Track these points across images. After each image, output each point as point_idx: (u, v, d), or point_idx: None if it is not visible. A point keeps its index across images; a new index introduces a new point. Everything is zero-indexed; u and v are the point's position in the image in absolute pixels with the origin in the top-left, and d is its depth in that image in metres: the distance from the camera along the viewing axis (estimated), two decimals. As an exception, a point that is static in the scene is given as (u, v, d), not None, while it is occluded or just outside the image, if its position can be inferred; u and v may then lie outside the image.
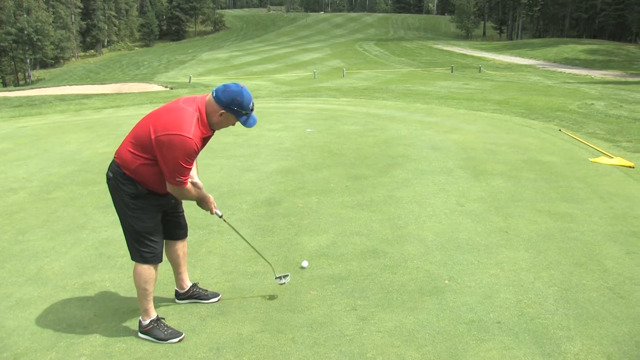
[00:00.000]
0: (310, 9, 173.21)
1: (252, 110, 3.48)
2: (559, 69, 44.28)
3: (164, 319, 3.84)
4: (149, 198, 3.58)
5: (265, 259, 4.38)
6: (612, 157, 8.61)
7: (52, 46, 79.57)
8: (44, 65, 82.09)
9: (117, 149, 3.61)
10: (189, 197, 3.64)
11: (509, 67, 46.13)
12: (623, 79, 36.09)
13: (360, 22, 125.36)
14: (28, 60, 76.68)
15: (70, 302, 4.25)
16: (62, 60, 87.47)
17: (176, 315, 4.03)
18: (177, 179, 3.39)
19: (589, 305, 4.02)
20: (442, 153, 8.87)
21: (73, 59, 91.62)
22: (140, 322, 3.76)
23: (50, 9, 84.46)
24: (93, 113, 15.56)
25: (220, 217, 3.95)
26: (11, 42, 73.24)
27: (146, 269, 3.67)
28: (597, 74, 39.88)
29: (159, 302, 4.13)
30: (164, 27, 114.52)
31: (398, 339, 3.64)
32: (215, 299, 4.23)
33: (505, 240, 5.27)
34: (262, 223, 5.90)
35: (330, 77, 35.88)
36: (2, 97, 22.44)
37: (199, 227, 5.73)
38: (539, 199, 6.54)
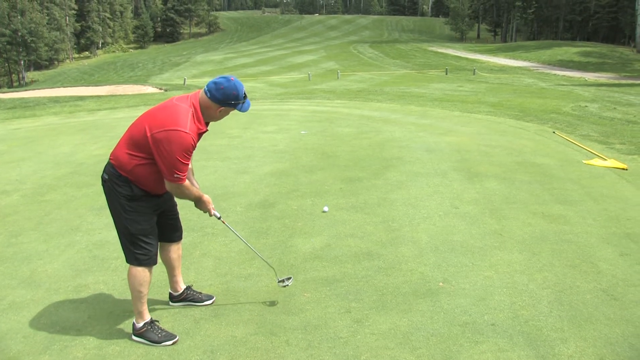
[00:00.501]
0: (304, 11, 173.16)
1: (245, 96, 3.53)
2: (553, 71, 44.40)
3: (157, 321, 3.83)
4: (145, 200, 3.57)
5: (267, 262, 4.38)
6: (605, 159, 8.64)
7: (46, 48, 79.21)
8: (38, 66, 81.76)
9: (112, 150, 3.61)
10: (188, 196, 3.62)
11: (503, 69, 46.24)
12: (617, 82, 36.21)
13: (354, 24, 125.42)
14: (22, 62, 76.35)
15: (63, 304, 4.24)
16: (56, 62, 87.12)
17: (170, 318, 4.02)
18: (176, 175, 3.38)
19: (582, 307, 4.03)
20: (436, 155, 8.88)
21: (67, 60, 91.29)
22: (134, 324, 3.75)
23: (45, 11, 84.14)
24: (87, 115, 15.53)
25: (219, 218, 3.94)
26: (5, 43, 72.88)
27: (140, 272, 3.66)
28: (590, 77, 39.99)
29: (153, 304, 4.12)
30: (159, 29, 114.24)
31: (392, 341, 3.64)
32: (210, 302, 4.22)
33: (499, 243, 5.28)
34: (256, 225, 5.90)
35: (324, 79, 35.89)
36: (-5, 99, 22.36)
37: (194, 230, 5.72)
38: (533, 201, 6.56)
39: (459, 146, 9.57)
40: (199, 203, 3.78)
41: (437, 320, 3.88)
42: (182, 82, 35.21)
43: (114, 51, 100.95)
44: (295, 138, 10.59)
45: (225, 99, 3.42)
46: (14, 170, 8.51)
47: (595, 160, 8.64)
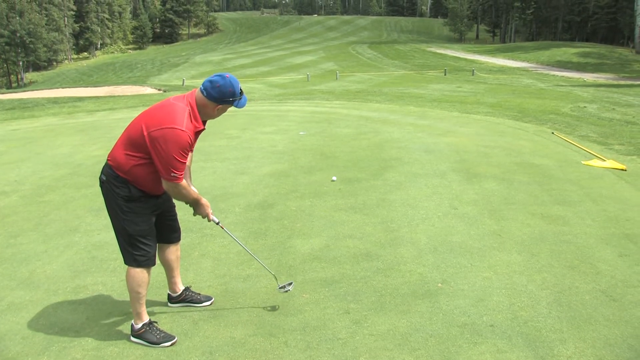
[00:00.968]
0: (303, 11, 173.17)
1: (241, 92, 3.53)
2: (552, 72, 44.45)
3: (156, 322, 3.82)
4: (143, 201, 3.56)
5: (267, 268, 4.33)
6: (604, 160, 8.64)
7: (45, 49, 79.24)
8: (36, 67, 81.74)
9: (109, 151, 3.60)
10: (186, 196, 3.60)
11: (502, 69, 46.28)
12: (615, 82, 36.24)
13: (353, 25, 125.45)
14: (21, 63, 76.36)
15: (62, 305, 4.23)
16: (55, 63, 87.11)
17: (169, 319, 4.01)
18: (172, 174, 3.37)
19: (581, 308, 4.03)
20: (435, 156, 8.88)
21: (66, 61, 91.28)
22: (132, 325, 3.75)
23: (43, 12, 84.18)
24: (86, 116, 15.53)
25: (217, 224, 3.91)
26: (4, 44, 72.92)
27: (139, 273, 3.65)
28: (589, 77, 40.04)
29: (151, 305, 4.12)
30: (157, 30, 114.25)
31: (391, 342, 3.64)
32: (208, 303, 4.21)
33: (498, 243, 5.28)
34: (255, 226, 5.89)
35: (323, 80, 35.90)
36: (-6, 100, 22.35)
37: (192, 231, 5.71)
38: (531, 201, 6.56)
39: (458, 147, 9.57)
40: (197, 206, 3.76)
41: (436, 321, 3.88)
42: (181, 83, 35.21)
43: (112, 52, 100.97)
44: (294, 139, 10.59)
45: (222, 96, 3.43)
46: (13, 171, 8.51)
47: (594, 161, 8.64)
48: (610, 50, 61.60)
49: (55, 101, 20.73)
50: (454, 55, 63.97)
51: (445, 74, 39.76)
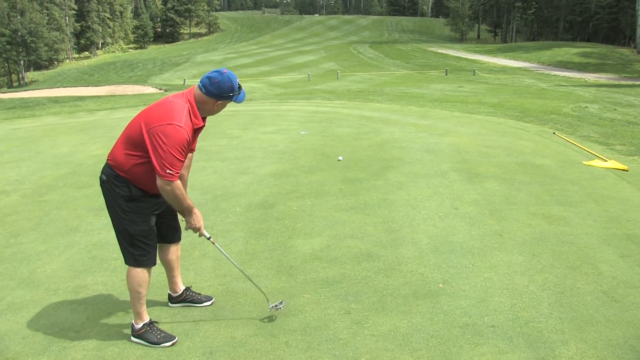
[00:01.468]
0: (304, 11, 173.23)
1: (240, 87, 3.51)
2: (553, 72, 44.45)
3: (157, 322, 3.82)
4: (143, 200, 3.55)
5: (258, 287, 4.15)
6: (606, 160, 8.63)
7: (46, 48, 79.23)
8: (37, 67, 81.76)
9: (109, 151, 3.59)
10: (180, 198, 3.49)
11: (503, 69, 46.27)
12: (617, 82, 36.23)
13: (354, 24, 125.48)
14: (22, 62, 76.38)
15: (62, 305, 4.23)
16: (56, 62, 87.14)
17: (169, 319, 4.00)
18: (168, 171, 3.31)
19: (583, 309, 4.02)
20: (436, 156, 8.87)
21: (67, 60, 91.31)
22: (133, 325, 3.74)
23: (45, 11, 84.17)
24: (87, 115, 15.52)
25: (209, 239, 3.81)
26: (5, 43, 72.92)
27: (139, 272, 3.65)
28: (590, 77, 40.04)
29: (152, 305, 4.11)
30: (159, 29, 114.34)
31: (392, 342, 3.63)
32: (209, 303, 4.21)
33: (500, 244, 5.27)
34: (255, 226, 5.88)
35: (324, 80, 35.90)
36: (-5, 99, 22.36)
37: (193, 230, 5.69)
38: (533, 202, 6.55)
39: (459, 147, 9.55)
40: (190, 215, 3.62)
41: (437, 322, 3.87)
42: (182, 83, 35.23)
43: (113, 51, 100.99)
44: (295, 138, 10.58)
45: (220, 92, 3.42)
46: (14, 171, 8.50)
47: (596, 161, 8.62)
48: (611, 51, 61.57)
49: (56, 100, 20.75)
50: (455, 55, 63.97)
51: (446, 74, 39.75)
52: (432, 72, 42.77)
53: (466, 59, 58.24)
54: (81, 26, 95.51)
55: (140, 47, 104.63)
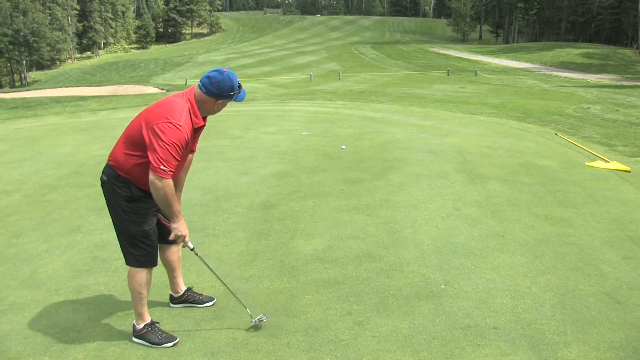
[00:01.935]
0: (306, 11, 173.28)
1: (240, 86, 3.51)
2: (555, 73, 44.39)
3: (158, 323, 3.81)
4: (144, 201, 3.55)
5: (240, 302, 3.97)
6: (608, 162, 8.61)
7: (48, 48, 79.31)
8: (40, 66, 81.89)
9: (110, 151, 3.59)
10: (169, 198, 3.39)
11: (505, 70, 46.22)
12: (619, 83, 36.18)
13: (356, 25, 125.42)
14: (24, 62, 76.46)
15: (64, 305, 4.22)
16: (58, 62, 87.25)
17: (171, 320, 4.00)
18: (162, 167, 3.28)
19: (585, 311, 4.01)
20: (438, 157, 8.86)
21: (69, 60, 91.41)
22: (134, 326, 3.74)
23: (47, 11, 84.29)
24: (89, 115, 15.52)
25: (192, 249, 3.72)
26: (7, 43, 72.98)
27: (141, 273, 3.65)
28: (593, 78, 39.98)
29: (153, 306, 4.11)
30: (160, 29, 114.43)
31: (394, 344, 3.62)
32: (210, 303, 4.20)
33: (502, 245, 5.26)
34: (257, 226, 5.88)
35: (326, 80, 35.88)
36: (-3, 99, 22.38)
37: (194, 231, 5.70)
38: (535, 203, 6.54)
39: (461, 148, 9.54)
40: (176, 220, 3.53)
41: (439, 323, 3.86)
42: (184, 83, 35.24)
43: (115, 51, 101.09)
44: (297, 139, 10.58)
45: (220, 91, 3.41)
46: (16, 170, 8.50)
47: (598, 162, 8.61)
48: (613, 51, 61.50)
49: (58, 100, 20.76)
50: (457, 55, 63.92)
51: (448, 75, 39.72)
52: (434, 73, 42.74)
53: (468, 60, 58.20)
54: (83, 26, 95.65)
55: (142, 47, 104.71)
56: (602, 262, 4.87)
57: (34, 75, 77.11)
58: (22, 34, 74.49)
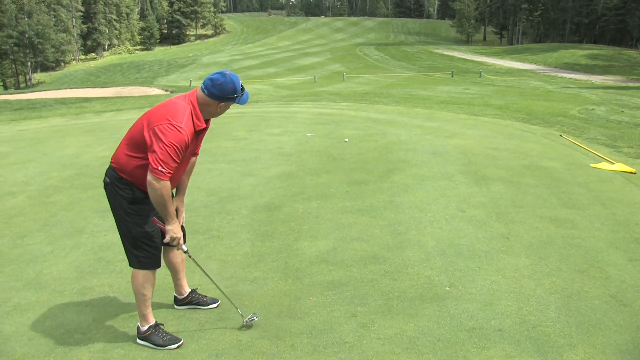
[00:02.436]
0: (310, 13, 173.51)
1: (243, 89, 3.50)
2: (560, 74, 44.32)
3: (162, 324, 3.81)
4: (147, 202, 3.53)
5: (232, 304, 3.96)
6: (613, 163, 8.58)
7: (53, 49, 79.58)
8: (44, 68, 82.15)
9: (113, 153, 3.59)
10: (165, 200, 3.38)
11: (510, 71, 46.18)
12: (624, 84, 36.11)
13: (360, 26, 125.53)
14: (29, 64, 76.73)
15: (68, 307, 4.23)
16: (62, 64, 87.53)
17: (175, 321, 4.00)
18: (160, 168, 3.27)
19: (591, 313, 3.99)
20: (442, 158, 8.84)
21: (74, 62, 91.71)
22: (138, 328, 3.74)
23: (52, 13, 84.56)
24: (93, 116, 15.55)
25: (186, 252, 3.73)
26: (12, 45, 73.23)
27: (144, 275, 3.65)
28: (597, 79, 39.91)
29: (157, 308, 4.11)
30: (165, 31, 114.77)
31: (398, 346, 3.61)
32: (215, 305, 4.20)
33: (506, 247, 5.24)
34: (261, 228, 5.87)
35: (330, 82, 35.90)
36: (2, 100, 22.46)
37: (198, 232, 5.70)
38: (540, 204, 6.52)
39: (466, 149, 9.52)
40: (171, 222, 3.51)
41: (444, 325, 3.85)
42: (188, 84, 35.29)
43: (120, 53, 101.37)
44: (301, 140, 10.57)
45: (223, 94, 3.41)
46: (20, 172, 8.52)
47: (603, 163, 8.58)
48: (618, 52, 61.38)
49: (62, 102, 20.81)
50: (462, 57, 63.91)
51: (452, 76, 39.69)
52: (438, 74, 42.71)
53: (472, 61, 58.16)
54: (88, 28, 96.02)
55: (147, 49, 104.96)
56: (608, 264, 4.85)
57: (38, 76, 77.36)
58: (27, 35, 74.75)
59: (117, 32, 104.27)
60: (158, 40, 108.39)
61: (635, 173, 8.05)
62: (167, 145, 3.27)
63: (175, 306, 4.21)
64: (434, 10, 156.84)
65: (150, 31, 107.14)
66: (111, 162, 3.57)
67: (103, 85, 42.05)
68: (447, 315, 3.99)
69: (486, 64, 54.10)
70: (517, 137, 10.93)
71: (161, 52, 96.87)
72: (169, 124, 3.29)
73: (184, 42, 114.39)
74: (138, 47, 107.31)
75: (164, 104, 3.48)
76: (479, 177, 7.68)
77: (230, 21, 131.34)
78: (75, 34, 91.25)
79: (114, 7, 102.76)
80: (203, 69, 54.33)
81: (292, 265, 4.93)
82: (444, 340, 3.67)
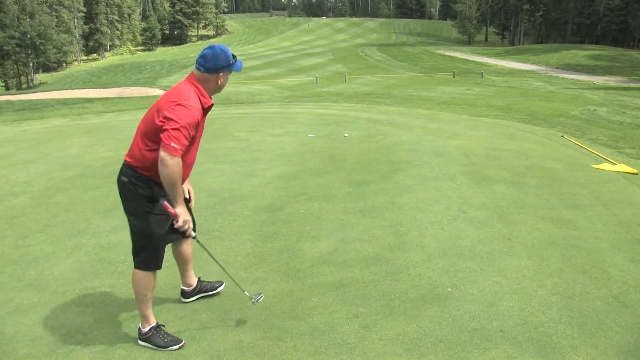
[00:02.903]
0: (312, 13, 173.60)
1: (235, 57, 3.66)
2: (561, 75, 44.29)
3: (163, 325, 3.81)
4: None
5: (240, 287, 4.08)
6: (615, 164, 8.57)
7: (55, 50, 79.62)
8: (46, 69, 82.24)
9: (127, 153, 3.59)
10: (176, 177, 3.36)
11: (511, 72, 46.15)
12: (626, 85, 36.07)
13: (362, 27, 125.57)
14: (31, 64, 76.81)
15: (70, 308, 4.23)
16: (64, 64, 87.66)
17: (176, 322, 4.00)
18: (173, 144, 3.30)
19: (593, 314, 3.98)
20: (444, 159, 8.84)
21: (75, 62, 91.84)
22: (139, 329, 3.74)
23: (54, 13, 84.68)
24: (95, 117, 15.56)
25: (194, 237, 3.76)
26: (14, 45, 73.25)
27: (146, 276, 3.66)
28: (599, 80, 39.88)
29: (159, 308, 4.11)
30: (166, 32, 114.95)
31: (400, 347, 3.61)
32: (222, 286, 4.37)
33: (508, 248, 5.23)
34: (263, 229, 5.87)
35: (332, 82, 35.90)
36: (4, 101, 22.48)
37: (201, 233, 5.69)
38: (541, 205, 6.51)
39: (467, 150, 9.52)
40: (179, 206, 3.50)
41: (446, 326, 3.85)
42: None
43: (121, 53, 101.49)
44: (303, 141, 10.57)
45: (217, 65, 3.55)
46: (22, 172, 8.52)
47: (605, 164, 8.57)
48: (620, 53, 61.30)
49: (64, 102, 20.83)
50: (463, 57, 63.90)
51: (454, 77, 39.69)
52: (440, 75, 42.70)
53: (474, 62, 58.14)
54: (89, 28, 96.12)
55: (148, 50, 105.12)
56: (609, 265, 4.84)
57: (40, 77, 77.46)
58: (29, 36, 74.81)
59: (118, 32, 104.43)
60: (160, 41, 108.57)
61: (637, 174, 8.04)
62: (179, 122, 3.33)
63: (184, 300, 4.26)
64: (435, 11, 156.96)
65: (152, 32, 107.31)
66: (126, 160, 3.56)
67: (105, 85, 42.08)
68: (448, 316, 3.98)
69: (488, 65, 54.09)
70: (518, 138, 10.92)
71: (163, 52, 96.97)
72: (177, 104, 3.38)
73: (186, 42, 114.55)
74: (140, 47, 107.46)
75: (169, 92, 3.56)
76: (481, 178, 7.67)
77: (231, 22, 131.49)
78: (77, 35, 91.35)
79: (116, 8, 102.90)
80: (205, 69, 54.26)
81: (294, 266, 4.93)
82: (445, 341, 3.66)
